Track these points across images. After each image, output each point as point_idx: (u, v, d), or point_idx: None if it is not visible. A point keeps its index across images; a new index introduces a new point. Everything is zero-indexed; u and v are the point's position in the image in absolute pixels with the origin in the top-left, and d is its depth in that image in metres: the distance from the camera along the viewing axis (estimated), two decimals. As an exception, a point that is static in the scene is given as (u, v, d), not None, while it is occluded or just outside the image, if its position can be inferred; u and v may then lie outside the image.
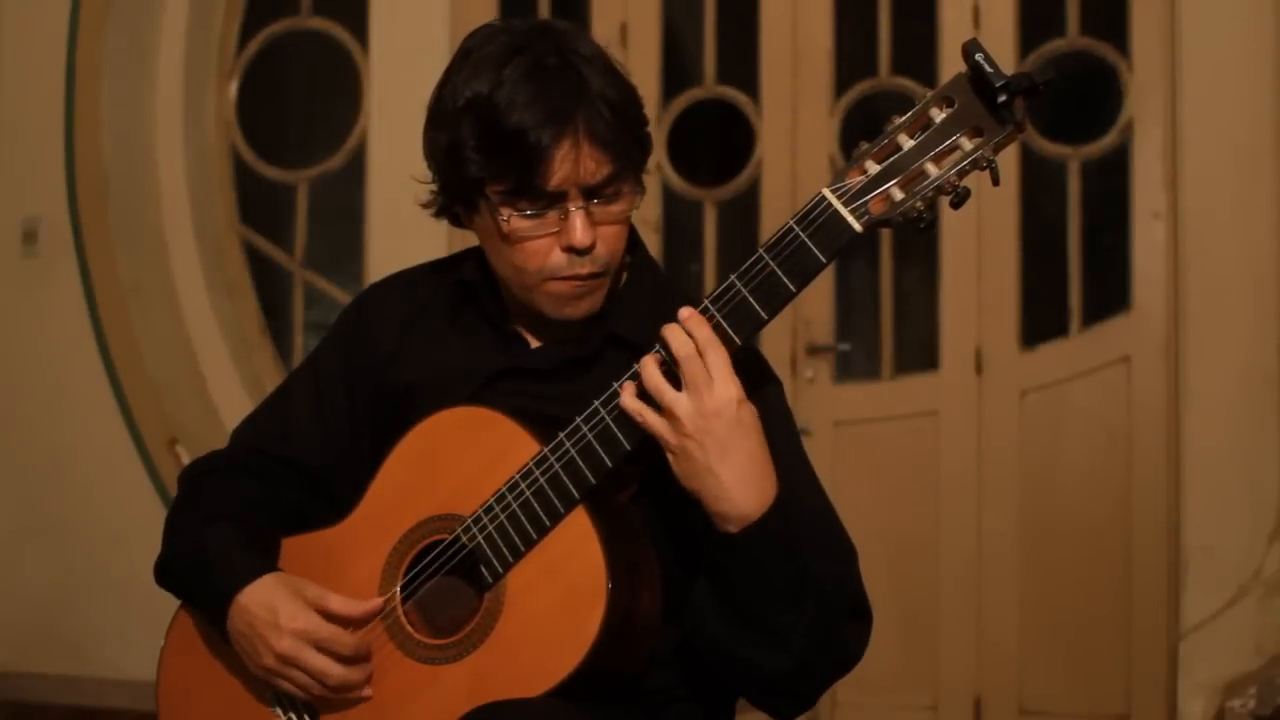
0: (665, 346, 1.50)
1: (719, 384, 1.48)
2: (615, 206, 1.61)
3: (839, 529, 1.67)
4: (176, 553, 1.73)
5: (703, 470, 1.49)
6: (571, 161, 1.55)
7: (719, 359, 1.49)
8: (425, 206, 1.70)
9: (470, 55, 1.61)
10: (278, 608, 1.61)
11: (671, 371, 1.50)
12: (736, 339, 1.50)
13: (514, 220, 1.59)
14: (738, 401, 1.49)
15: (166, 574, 1.76)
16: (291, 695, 1.65)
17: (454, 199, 1.65)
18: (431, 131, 1.64)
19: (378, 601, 1.63)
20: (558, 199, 1.58)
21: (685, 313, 1.51)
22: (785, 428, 1.68)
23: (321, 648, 1.61)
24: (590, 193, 1.58)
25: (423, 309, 1.79)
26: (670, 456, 1.51)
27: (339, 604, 1.63)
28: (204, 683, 1.75)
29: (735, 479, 1.49)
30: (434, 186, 1.68)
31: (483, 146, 1.57)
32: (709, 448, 1.48)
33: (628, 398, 1.52)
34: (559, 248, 1.60)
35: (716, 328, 1.50)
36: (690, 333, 1.50)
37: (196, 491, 1.78)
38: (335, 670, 1.61)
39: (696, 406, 1.48)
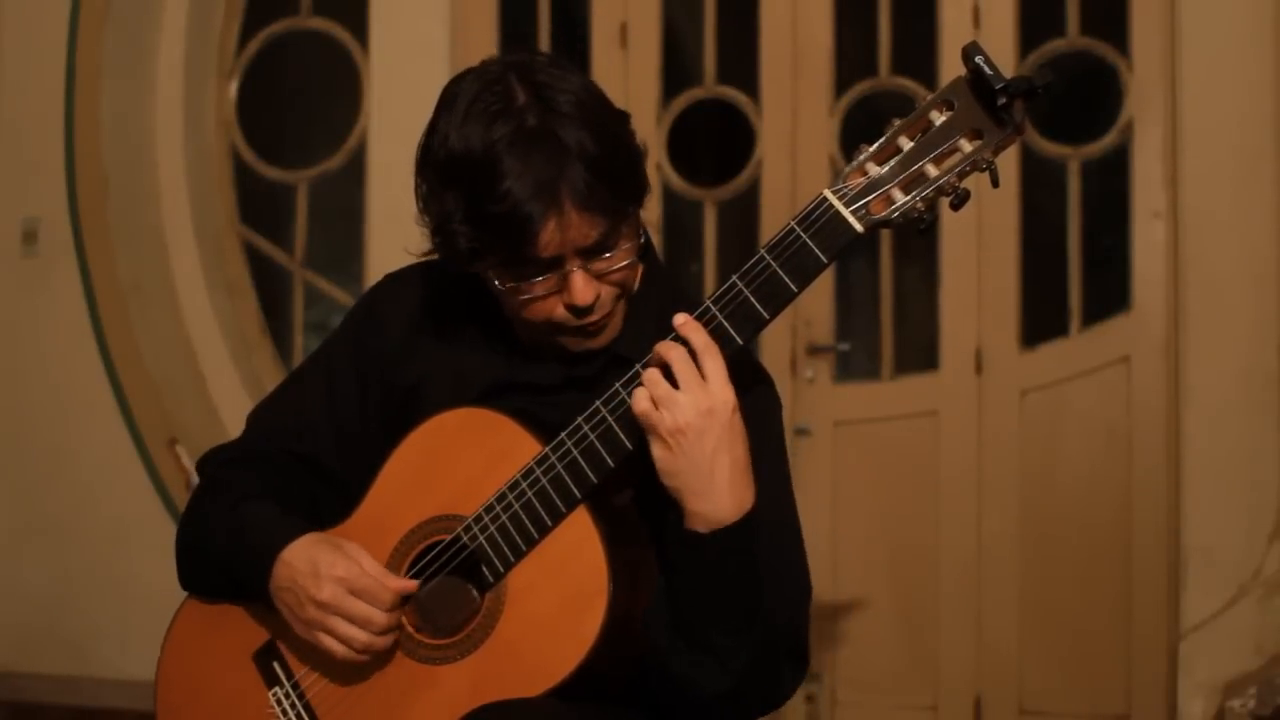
0: (657, 355, 1.52)
1: (715, 386, 1.49)
2: (616, 256, 1.60)
3: (801, 565, 1.67)
4: (209, 531, 1.73)
5: (689, 467, 1.50)
6: (560, 232, 1.54)
7: (715, 364, 1.50)
8: (426, 256, 1.69)
9: (453, 108, 1.58)
10: (318, 559, 1.62)
11: (673, 376, 1.51)
12: (738, 339, 1.51)
13: (511, 287, 1.59)
14: (733, 407, 1.50)
15: (195, 554, 1.76)
16: (328, 651, 1.63)
17: (460, 264, 1.63)
18: (422, 190, 1.62)
19: (412, 583, 1.63)
20: (555, 264, 1.57)
21: (680, 319, 1.52)
22: (777, 449, 1.69)
23: (361, 596, 1.60)
24: (587, 252, 1.57)
25: (433, 306, 1.79)
26: (658, 450, 1.51)
27: (373, 566, 1.62)
28: (203, 684, 1.76)
29: (719, 482, 1.50)
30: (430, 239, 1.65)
31: (470, 220, 1.56)
32: (702, 445, 1.49)
33: (638, 400, 1.51)
34: (563, 305, 1.60)
35: (718, 328, 1.52)
36: (686, 338, 1.50)
37: (221, 479, 1.78)
38: (379, 616, 1.60)
39: (693, 403, 1.49)
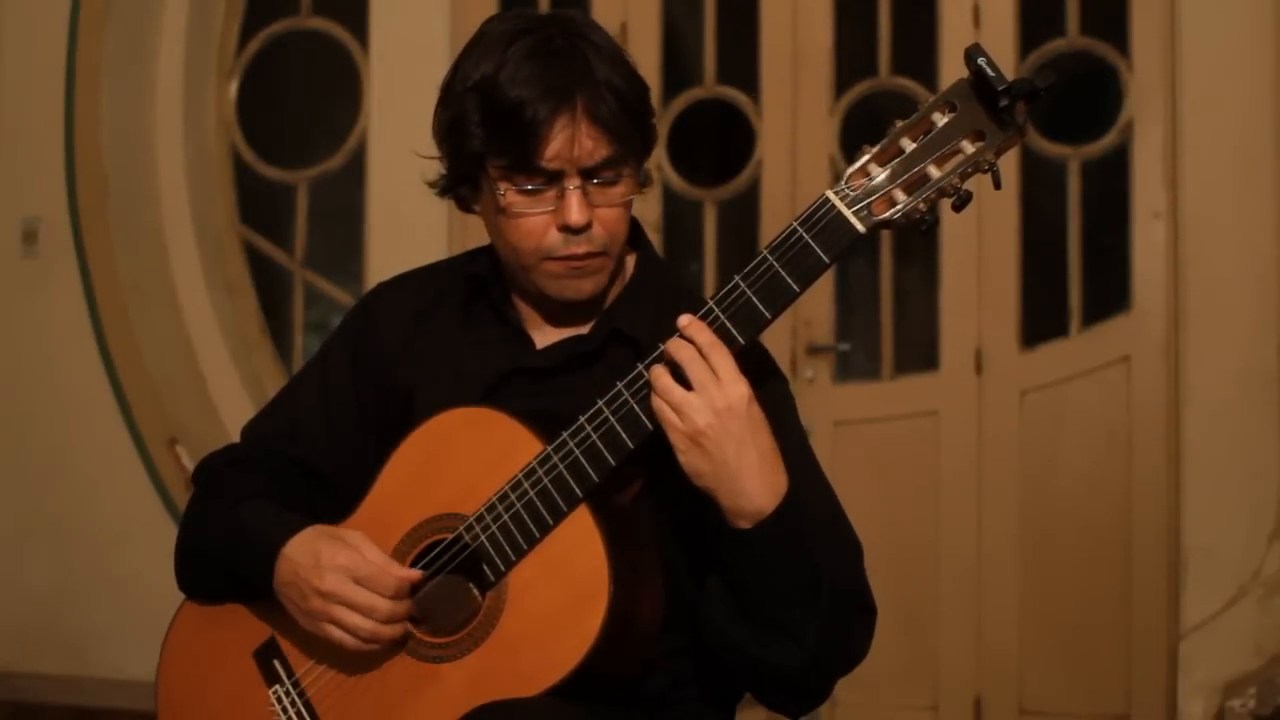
0: (667, 354, 1.52)
1: (727, 382, 1.49)
2: (614, 190, 1.62)
3: (847, 525, 1.68)
4: (209, 533, 1.73)
5: (719, 467, 1.50)
6: (567, 138, 1.57)
7: (723, 360, 1.50)
8: (431, 185, 1.72)
9: (483, 39, 1.64)
10: (319, 550, 1.61)
11: (682, 376, 1.51)
12: (740, 339, 1.51)
13: (511, 195, 1.61)
14: (748, 399, 1.50)
15: (195, 557, 1.76)
16: (336, 642, 1.62)
17: (458, 177, 1.67)
18: (440, 110, 1.66)
19: (416, 573, 1.62)
20: (555, 177, 1.59)
21: (684, 320, 1.52)
22: (794, 425, 1.69)
23: (364, 584, 1.59)
24: (588, 173, 1.60)
25: (430, 308, 1.80)
26: (683, 456, 1.51)
27: (376, 554, 1.62)
28: (203, 683, 1.75)
29: (750, 475, 1.50)
30: (441, 166, 1.70)
31: (484, 120, 1.59)
32: (725, 445, 1.49)
33: (657, 401, 1.52)
34: (555, 226, 1.61)
35: (721, 328, 1.52)
36: (692, 338, 1.51)
37: (219, 481, 1.78)
38: (382, 604, 1.59)
39: (709, 404, 1.49)
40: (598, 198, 1.61)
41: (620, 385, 1.55)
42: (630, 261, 1.76)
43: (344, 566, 1.59)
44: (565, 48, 1.59)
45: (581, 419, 1.56)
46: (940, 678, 4.02)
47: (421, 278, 1.84)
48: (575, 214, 1.59)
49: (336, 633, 1.61)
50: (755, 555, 1.52)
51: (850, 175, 1.48)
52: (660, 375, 1.52)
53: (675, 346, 1.51)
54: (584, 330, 1.71)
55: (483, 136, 1.60)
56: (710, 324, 1.52)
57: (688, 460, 1.51)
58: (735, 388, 1.49)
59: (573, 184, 1.59)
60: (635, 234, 1.76)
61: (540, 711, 1.52)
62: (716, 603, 1.58)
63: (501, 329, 1.75)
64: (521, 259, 1.65)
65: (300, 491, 1.78)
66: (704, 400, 1.49)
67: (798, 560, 1.53)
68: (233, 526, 1.69)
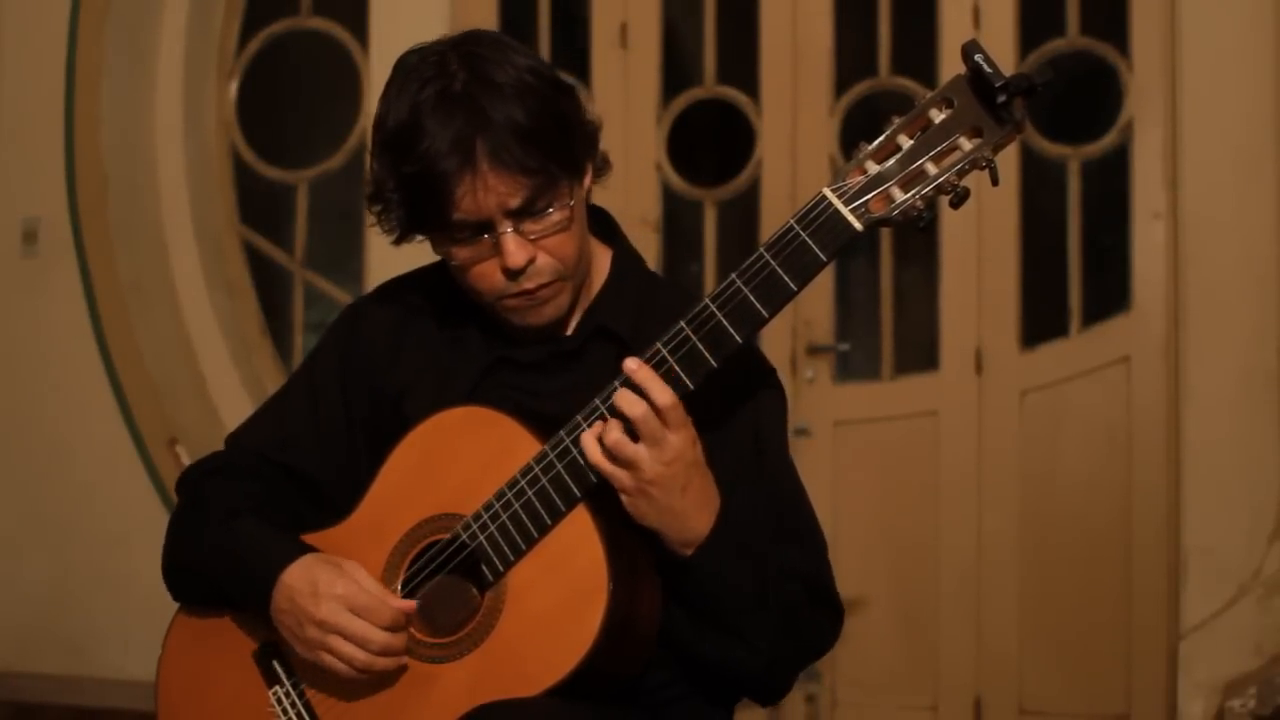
0: (619, 412, 1.52)
1: (675, 432, 1.51)
2: (549, 219, 1.60)
3: (813, 524, 1.71)
4: (200, 549, 1.72)
5: (663, 509, 1.54)
6: (473, 193, 1.56)
7: (676, 414, 1.51)
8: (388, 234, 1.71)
9: (393, 82, 1.62)
10: (317, 578, 1.61)
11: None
12: (737, 337, 1.51)
13: (449, 249, 1.61)
14: (693, 441, 1.53)
15: (185, 570, 1.76)
16: (331, 670, 1.62)
17: (403, 234, 1.66)
18: (370, 164, 1.65)
19: (410, 603, 1.62)
20: (484, 226, 1.58)
21: (631, 365, 1.52)
22: (776, 431, 1.73)
23: (360, 614, 1.60)
24: (517, 214, 1.58)
25: (414, 313, 1.80)
26: (627, 499, 1.54)
27: (373, 586, 1.62)
28: (203, 684, 1.75)
29: (692, 510, 1.54)
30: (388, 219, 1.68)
31: (397, 188, 1.60)
32: (671, 489, 1.53)
33: (591, 450, 1.53)
34: (500, 269, 1.61)
35: (717, 327, 1.51)
36: (641, 385, 1.51)
37: (203, 493, 1.77)
38: (377, 635, 1.59)
39: (657, 456, 1.51)
40: (534, 231, 1.60)
41: (617, 383, 1.55)
42: (606, 258, 1.76)
43: (340, 595, 1.60)
44: (461, 95, 1.56)
45: (577, 417, 1.56)
46: (940, 678, 4.02)
47: (404, 284, 1.84)
48: (512, 258, 1.59)
49: (331, 661, 1.62)
50: (701, 576, 1.57)
51: (847, 172, 1.48)
52: (611, 432, 1.53)
53: (627, 403, 1.52)
54: (566, 329, 1.72)
55: (399, 201, 1.60)
56: (706, 322, 1.52)
57: (634, 505, 1.54)
58: (683, 434, 1.52)
59: (504, 228, 1.58)
60: (609, 229, 1.77)
61: (540, 711, 1.52)
62: (673, 613, 1.61)
63: (484, 331, 1.74)
64: (481, 299, 1.66)
65: (288, 498, 1.78)
66: (655, 453, 1.51)
67: (741, 569, 1.57)
68: (226, 546, 1.69)
